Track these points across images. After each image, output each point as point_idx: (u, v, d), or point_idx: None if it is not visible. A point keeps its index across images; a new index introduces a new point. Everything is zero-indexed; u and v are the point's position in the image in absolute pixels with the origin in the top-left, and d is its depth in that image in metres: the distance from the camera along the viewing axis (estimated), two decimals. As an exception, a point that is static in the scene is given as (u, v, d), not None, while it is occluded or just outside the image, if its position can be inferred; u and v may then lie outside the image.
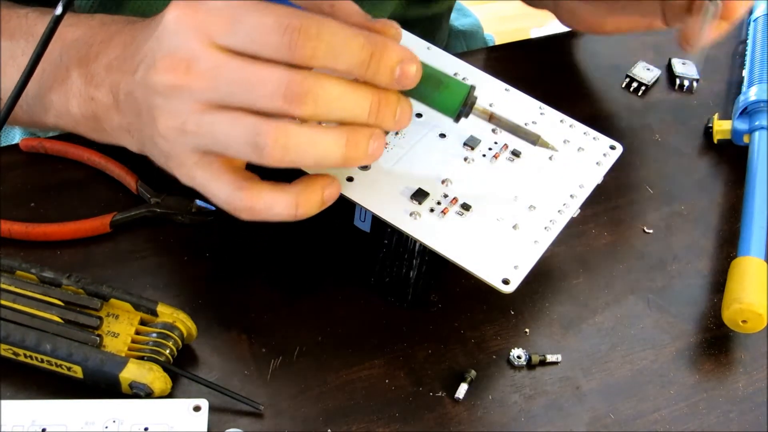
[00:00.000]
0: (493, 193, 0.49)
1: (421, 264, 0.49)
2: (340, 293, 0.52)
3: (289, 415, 0.46)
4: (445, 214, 0.48)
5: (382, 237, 0.49)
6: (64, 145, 0.56)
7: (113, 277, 0.51)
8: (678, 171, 0.63)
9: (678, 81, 0.69)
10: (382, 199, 0.48)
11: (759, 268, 0.53)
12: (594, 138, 0.54)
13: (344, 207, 0.48)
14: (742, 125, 0.63)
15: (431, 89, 0.45)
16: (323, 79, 0.41)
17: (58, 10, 0.48)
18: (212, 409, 0.45)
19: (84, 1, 0.61)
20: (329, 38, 0.41)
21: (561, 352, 0.51)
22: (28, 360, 0.45)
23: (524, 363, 0.50)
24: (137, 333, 0.46)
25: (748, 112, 0.64)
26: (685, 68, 0.69)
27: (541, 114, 0.54)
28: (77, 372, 0.45)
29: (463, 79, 0.55)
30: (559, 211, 0.49)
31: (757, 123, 0.62)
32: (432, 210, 0.48)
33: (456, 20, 0.94)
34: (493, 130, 0.52)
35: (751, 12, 0.75)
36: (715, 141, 0.64)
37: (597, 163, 0.52)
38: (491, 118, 0.47)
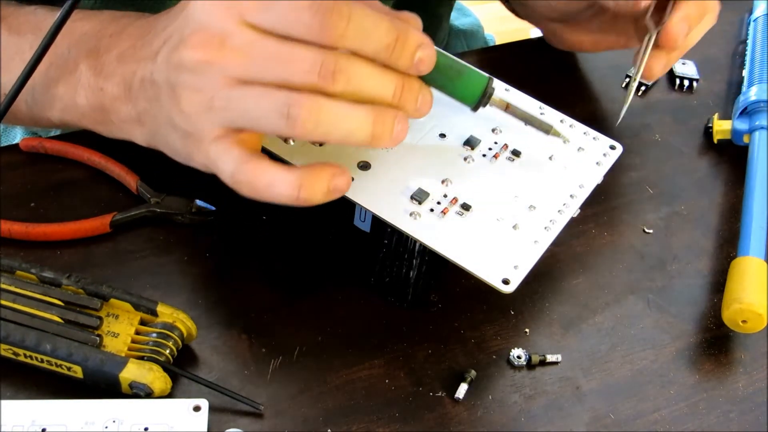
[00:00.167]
0: (493, 193, 0.49)
1: (421, 264, 0.49)
2: (340, 293, 0.52)
3: (289, 415, 0.46)
4: (445, 214, 0.48)
5: (382, 237, 0.49)
6: (64, 145, 0.56)
7: (113, 277, 0.51)
8: (678, 171, 0.63)
9: (678, 81, 0.69)
10: (382, 199, 0.48)
11: (759, 268, 0.53)
12: (594, 138, 0.54)
13: (344, 207, 0.48)
14: (742, 125, 0.63)
15: (452, 79, 0.47)
16: (353, 58, 0.43)
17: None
18: (212, 409, 0.45)
19: (88, 1, 0.61)
20: (359, 20, 0.42)
21: (561, 352, 0.51)
22: (28, 360, 0.45)
23: (524, 363, 0.50)
24: (137, 333, 0.46)
25: (748, 112, 0.64)
26: (684, 68, 0.69)
27: (541, 114, 0.54)
28: (77, 372, 0.45)
29: None
30: (559, 211, 0.49)
31: (757, 123, 0.62)
32: (432, 210, 0.48)
33: (456, 20, 0.94)
34: (493, 130, 0.52)
35: (751, 12, 0.75)
36: (715, 141, 0.64)
37: (597, 163, 0.52)
38: (508, 107, 0.49)
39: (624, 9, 0.55)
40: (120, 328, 0.46)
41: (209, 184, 0.52)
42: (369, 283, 0.52)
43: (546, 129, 0.51)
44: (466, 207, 0.48)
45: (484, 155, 0.51)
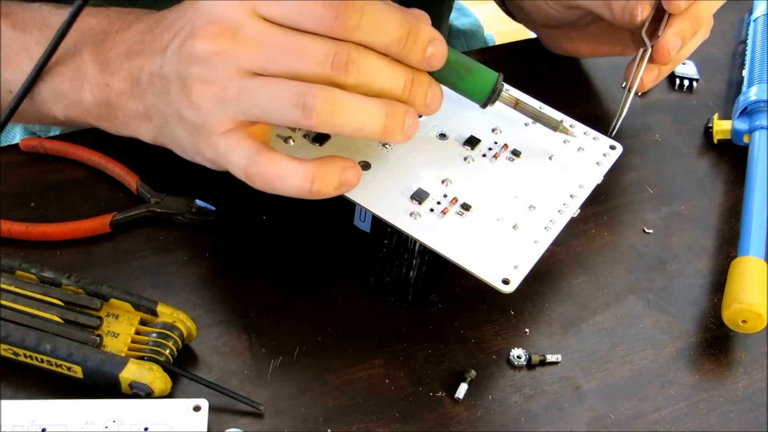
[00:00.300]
0: (493, 193, 0.49)
1: (421, 264, 0.49)
2: (340, 293, 0.52)
3: (289, 415, 0.46)
4: (445, 214, 0.48)
5: (382, 237, 0.49)
6: (64, 145, 0.56)
7: (113, 277, 0.51)
8: (678, 171, 0.63)
9: (678, 81, 0.69)
10: (382, 199, 0.48)
11: (759, 268, 0.53)
12: (594, 138, 0.54)
13: (344, 207, 0.48)
14: (742, 125, 0.63)
15: (462, 75, 0.47)
16: (365, 50, 0.43)
17: None
18: (212, 409, 0.45)
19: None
20: (372, 13, 0.43)
21: (561, 352, 0.51)
22: (28, 360, 0.45)
23: (524, 363, 0.50)
24: (137, 333, 0.46)
25: (748, 112, 0.64)
26: (684, 68, 0.69)
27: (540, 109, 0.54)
28: (77, 372, 0.45)
29: None
30: (559, 211, 0.49)
31: (757, 123, 0.62)
32: (432, 210, 0.48)
33: (456, 20, 0.94)
34: (493, 130, 0.52)
35: (751, 12, 0.75)
36: (715, 141, 0.64)
37: (597, 163, 0.52)
38: (517, 104, 0.50)
39: (621, 21, 0.55)
40: (120, 328, 0.46)
41: (209, 184, 0.52)
42: (369, 283, 0.52)
43: (554, 125, 0.51)
44: (466, 207, 0.48)
45: (484, 155, 0.51)
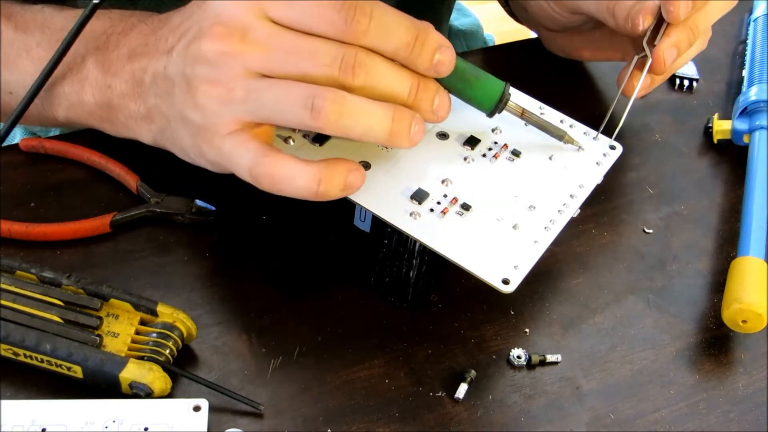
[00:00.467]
0: (493, 193, 0.49)
1: (420, 264, 0.49)
2: (340, 293, 0.52)
3: (289, 415, 0.46)
4: (445, 214, 0.48)
5: (382, 237, 0.49)
6: (64, 145, 0.56)
7: (113, 277, 0.51)
8: (678, 171, 0.63)
9: (678, 81, 0.69)
10: (382, 198, 0.48)
11: (759, 268, 0.53)
12: (594, 138, 0.54)
13: (344, 207, 0.48)
14: (742, 125, 0.63)
15: (470, 83, 0.48)
16: (372, 54, 0.44)
17: None
18: (212, 409, 0.45)
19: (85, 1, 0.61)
20: (381, 17, 0.43)
21: (561, 352, 0.51)
22: (28, 360, 0.45)
23: (524, 363, 0.50)
24: (137, 333, 0.46)
25: (748, 112, 0.64)
26: (684, 68, 0.69)
27: (542, 114, 0.54)
28: (77, 372, 0.45)
29: None
30: (559, 211, 0.49)
31: (757, 123, 0.62)
32: (432, 210, 0.48)
33: (456, 20, 0.94)
34: (493, 130, 0.52)
35: (751, 12, 0.75)
36: (715, 141, 0.64)
37: (597, 163, 0.52)
38: (523, 113, 0.50)
39: (623, 29, 0.55)
40: (120, 328, 0.46)
41: (209, 184, 0.52)
42: (369, 283, 0.52)
43: (560, 135, 0.52)
44: (466, 207, 0.48)
45: (484, 155, 0.51)
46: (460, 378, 0.49)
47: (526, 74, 0.66)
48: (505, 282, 0.45)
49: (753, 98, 0.64)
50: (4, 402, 0.43)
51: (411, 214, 0.47)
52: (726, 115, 0.66)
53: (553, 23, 0.64)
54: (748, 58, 0.69)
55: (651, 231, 0.58)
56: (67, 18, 0.55)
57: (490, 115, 0.49)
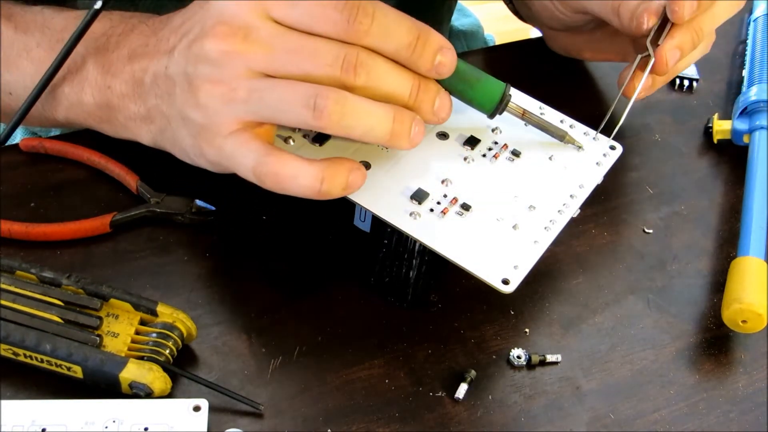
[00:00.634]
0: (493, 193, 0.49)
1: (420, 264, 0.49)
2: (340, 293, 0.52)
3: (289, 415, 0.46)
4: (444, 214, 0.48)
5: (381, 237, 0.49)
6: (64, 145, 0.56)
7: (113, 277, 0.51)
8: (678, 171, 0.63)
9: (678, 81, 0.69)
10: (382, 198, 0.48)
11: (759, 268, 0.53)
12: (594, 138, 0.54)
13: (344, 207, 0.48)
14: (742, 125, 0.63)
15: (471, 84, 0.48)
16: (374, 54, 0.44)
17: (98, 4, 0.49)
18: (212, 409, 0.45)
19: (84, 1, 0.61)
20: (383, 17, 0.44)
21: (561, 352, 0.51)
22: (28, 360, 0.45)
23: (524, 363, 0.50)
24: (137, 333, 0.46)
25: (748, 112, 0.64)
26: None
27: (542, 114, 0.54)
28: (77, 372, 0.45)
29: None
30: (558, 211, 0.49)
31: (757, 123, 0.62)
32: (432, 210, 0.48)
33: (456, 20, 0.94)
34: (493, 130, 0.52)
35: (751, 12, 0.75)
36: (715, 141, 0.64)
37: (597, 163, 0.52)
38: (524, 114, 0.51)
39: (628, 28, 0.55)
40: (120, 328, 0.46)
41: (209, 184, 0.52)
42: (369, 283, 0.52)
43: (561, 136, 0.52)
44: (465, 207, 0.48)
45: (483, 155, 0.51)
46: (460, 378, 0.49)
47: (526, 74, 0.66)
48: (505, 282, 0.45)
49: (753, 98, 0.64)
50: (4, 402, 0.43)
51: (411, 214, 0.47)
52: (726, 115, 0.66)
53: (556, 22, 0.64)
54: (748, 58, 0.69)
55: (651, 231, 0.58)
56: (68, 19, 0.55)
57: (491, 116, 0.50)
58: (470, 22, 0.96)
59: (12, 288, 0.46)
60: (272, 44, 0.44)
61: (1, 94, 0.56)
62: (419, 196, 0.48)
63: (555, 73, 0.68)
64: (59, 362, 0.44)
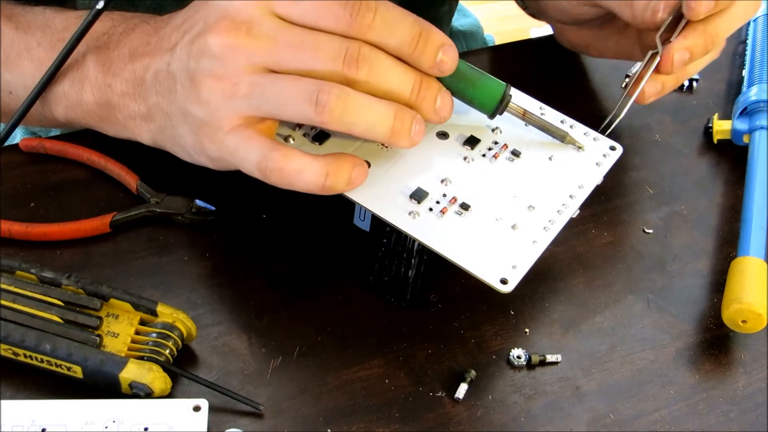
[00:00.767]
0: (493, 192, 0.49)
1: (419, 263, 0.49)
2: (340, 293, 0.52)
3: (289, 415, 0.46)
4: (444, 213, 0.48)
5: (381, 236, 0.49)
6: (64, 145, 0.56)
7: (113, 277, 0.51)
8: (678, 171, 0.63)
9: (678, 81, 0.69)
10: (381, 198, 0.48)
11: (759, 268, 0.53)
12: (594, 138, 0.54)
13: (344, 206, 0.48)
14: (742, 125, 0.63)
15: (472, 84, 0.48)
16: (376, 49, 0.44)
17: (100, 4, 0.49)
18: (212, 409, 0.45)
19: (84, 1, 0.61)
20: (385, 13, 0.44)
21: (561, 352, 0.51)
22: (28, 360, 0.45)
23: (524, 363, 0.50)
24: (137, 333, 0.46)
25: (748, 112, 0.64)
26: (685, 68, 0.69)
27: (542, 114, 0.54)
28: (77, 372, 0.45)
29: None
30: (558, 212, 0.49)
31: (757, 123, 0.62)
32: (431, 209, 0.48)
33: (456, 20, 0.94)
34: (493, 130, 0.52)
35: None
36: (715, 141, 0.64)
37: (597, 163, 0.52)
38: (525, 114, 0.51)
39: (641, 19, 0.54)
40: (120, 328, 0.46)
41: (209, 184, 0.52)
42: (368, 282, 0.52)
43: (562, 136, 0.52)
44: (465, 206, 0.48)
45: (483, 155, 0.51)
46: (460, 378, 0.49)
47: (526, 74, 0.66)
48: (504, 282, 0.45)
49: (753, 98, 0.63)
50: (4, 402, 0.43)
51: (410, 214, 0.47)
52: (726, 115, 0.66)
53: (565, 16, 0.63)
54: (748, 58, 0.69)
55: (651, 231, 0.58)
56: (68, 18, 0.55)
57: (492, 116, 0.50)
58: (470, 22, 0.96)
59: (12, 288, 0.46)
60: (275, 38, 0.44)
61: (1, 93, 0.56)
62: (418, 196, 0.48)
63: (555, 73, 0.68)
64: (59, 362, 0.44)
